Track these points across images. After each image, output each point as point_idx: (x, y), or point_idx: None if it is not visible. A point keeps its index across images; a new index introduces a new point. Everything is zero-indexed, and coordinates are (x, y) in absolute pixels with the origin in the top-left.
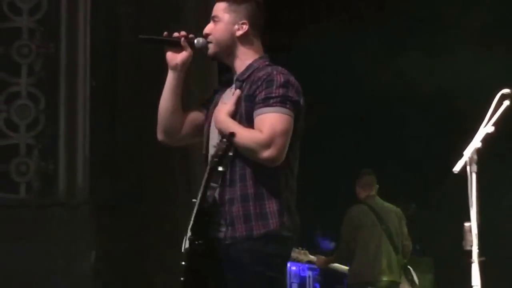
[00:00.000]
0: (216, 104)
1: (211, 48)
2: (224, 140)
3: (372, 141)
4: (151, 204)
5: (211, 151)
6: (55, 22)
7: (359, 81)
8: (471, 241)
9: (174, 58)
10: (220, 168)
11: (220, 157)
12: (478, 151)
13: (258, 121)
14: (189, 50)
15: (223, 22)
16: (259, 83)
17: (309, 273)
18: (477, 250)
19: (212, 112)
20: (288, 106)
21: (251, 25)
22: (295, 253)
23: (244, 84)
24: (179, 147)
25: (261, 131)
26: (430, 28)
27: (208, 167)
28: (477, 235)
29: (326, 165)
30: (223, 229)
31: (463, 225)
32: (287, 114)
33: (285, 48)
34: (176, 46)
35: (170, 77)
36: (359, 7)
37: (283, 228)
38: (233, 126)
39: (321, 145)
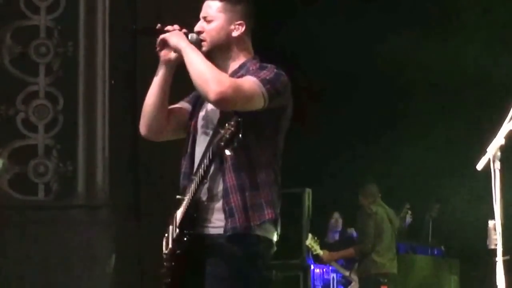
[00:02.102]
0: (203, 102)
1: (205, 46)
2: (232, 123)
3: (397, 137)
4: (172, 205)
5: (198, 148)
6: (73, 20)
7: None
8: (496, 239)
9: (167, 52)
10: (228, 152)
11: (229, 140)
12: (501, 147)
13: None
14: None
15: (219, 22)
16: (252, 68)
17: (332, 275)
18: (501, 249)
19: (199, 110)
20: (267, 87)
21: (247, 26)
22: (310, 239)
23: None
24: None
25: (229, 77)
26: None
27: (209, 154)
28: (501, 233)
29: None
30: (217, 223)
31: (487, 224)
32: (261, 91)
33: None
34: None
35: (161, 72)
36: None
37: (275, 219)
38: (197, 53)
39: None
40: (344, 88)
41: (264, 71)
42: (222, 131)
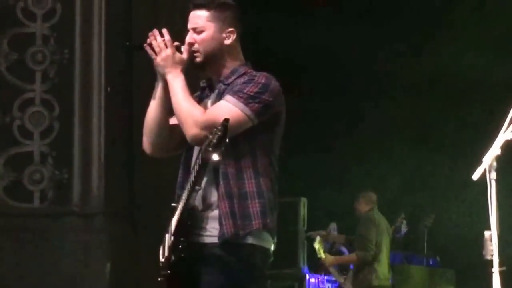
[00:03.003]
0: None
1: (199, 57)
2: (219, 127)
3: (393, 148)
4: (167, 213)
5: (193, 156)
6: (70, 28)
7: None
8: (492, 250)
9: None
10: (216, 157)
11: (215, 145)
12: (497, 158)
13: (215, 104)
14: (184, 55)
15: (210, 31)
16: (240, 80)
17: (328, 285)
18: (498, 260)
19: None
20: (251, 106)
21: (237, 32)
22: (318, 242)
23: (229, 87)
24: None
25: (205, 112)
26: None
27: (199, 160)
28: (497, 244)
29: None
30: (212, 232)
31: (483, 234)
32: (243, 112)
33: None
34: None
35: (159, 87)
36: None
37: (266, 229)
38: (179, 88)
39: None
40: (340, 98)
41: (250, 86)
42: (210, 136)
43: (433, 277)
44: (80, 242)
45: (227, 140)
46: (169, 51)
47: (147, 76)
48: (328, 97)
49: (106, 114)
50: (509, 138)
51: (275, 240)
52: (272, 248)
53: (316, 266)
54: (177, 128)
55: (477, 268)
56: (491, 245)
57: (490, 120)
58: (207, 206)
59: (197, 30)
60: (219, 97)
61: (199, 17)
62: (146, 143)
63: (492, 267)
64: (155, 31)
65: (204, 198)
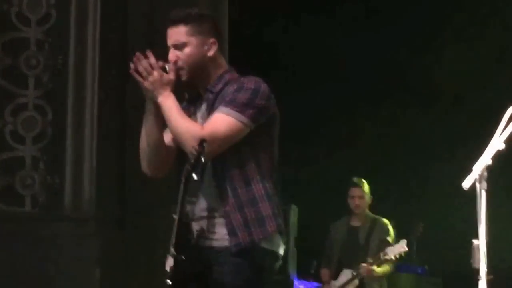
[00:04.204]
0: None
1: (185, 75)
2: (197, 147)
3: (378, 157)
4: (159, 219)
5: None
6: (64, 33)
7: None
8: (479, 259)
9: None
10: (194, 177)
11: (194, 165)
12: (488, 168)
13: (210, 118)
14: (171, 75)
15: (192, 46)
16: (230, 90)
17: None
18: (485, 269)
19: None
20: (246, 113)
21: (218, 41)
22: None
23: (219, 96)
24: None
25: (203, 127)
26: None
27: (183, 179)
28: (485, 253)
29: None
30: (221, 236)
31: (471, 243)
32: (240, 121)
33: None
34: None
35: (150, 109)
36: None
37: (279, 231)
38: (172, 108)
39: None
40: (329, 105)
41: (241, 93)
42: (190, 156)
43: (421, 285)
44: (71, 247)
45: (202, 160)
46: (156, 74)
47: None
48: (319, 102)
49: (99, 120)
50: (500, 148)
51: (285, 242)
52: (282, 252)
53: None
54: (172, 145)
55: (465, 277)
56: (479, 254)
57: (481, 128)
58: (212, 213)
59: (178, 46)
60: (210, 108)
61: (178, 33)
62: (145, 167)
63: (479, 275)
64: (139, 55)
65: (209, 205)
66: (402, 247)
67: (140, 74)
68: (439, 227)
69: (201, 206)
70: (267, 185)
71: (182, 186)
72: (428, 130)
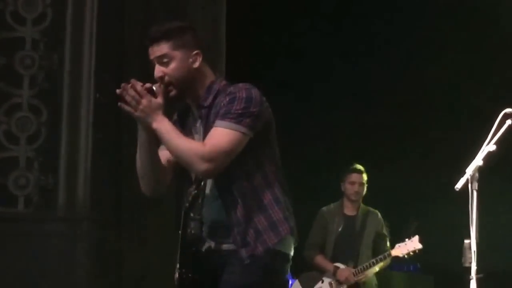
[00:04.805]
0: (185, 128)
1: (173, 92)
2: (194, 186)
3: (376, 156)
4: (153, 219)
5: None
6: (60, 33)
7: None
8: (470, 258)
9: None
10: (192, 215)
11: (191, 204)
12: (479, 169)
13: (209, 133)
14: (159, 99)
15: (177, 60)
16: (223, 102)
17: None
18: (476, 267)
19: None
20: (243, 123)
21: (202, 52)
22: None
23: (212, 110)
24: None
25: (204, 144)
26: None
27: (184, 210)
28: (476, 252)
29: None
30: (232, 240)
31: (463, 243)
32: (239, 131)
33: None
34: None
35: (143, 136)
36: None
37: (292, 233)
38: (169, 132)
39: None
40: (321, 105)
41: (235, 104)
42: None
43: (412, 283)
44: (65, 247)
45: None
46: (145, 101)
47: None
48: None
49: (94, 120)
50: (491, 150)
51: (296, 242)
52: (292, 253)
53: None
54: (169, 164)
55: (456, 275)
56: (470, 253)
57: (475, 130)
58: (220, 221)
59: (163, 62)
60: (205, 123)
61: (161, 49)
62: (144, 188)
63: (470, 274)
64: (125, 86)
65: (218, 218)
66: (416, 243)
67: (128, 104)
68: (432, 226)
69: (209, 219)
70: (275, 189)
71: (184, 211)
72: (423, 129)
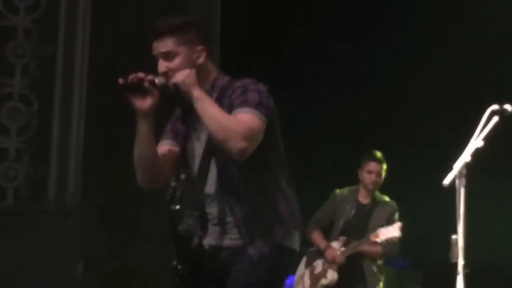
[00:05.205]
0: (186, 135)
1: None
2: (174, 180)
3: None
4: (145, 212)
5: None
6: (53, 23)
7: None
8: (457, 253)
9: (143, 104)
10: (177, 207)
11: (171, 196)
12: (467, 165)
13: (236, 117)
14: (156, 92)
15: (182, 55)
16: (235, 94)
17: None
18: (463, 263)
19: (184, 143)
20: (262, 110)
21: (206, 48)
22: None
23: (219, 104)
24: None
25: (239, 122)
26: None
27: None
28: (463, 247)
29: None
30: (239, 236)
31: (450, 238)
32: (261, 119)
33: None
34: (140, 91)
35: (142, 127)
36: None
37: (299, 228)
38: (210, 104)
39: None
40: (312, 97)
41: (250, 95)
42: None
43: (401, 278)
44: (54, 239)
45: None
46: (188, 70)
47: (129, 74)
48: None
49: (86, 111)
50: (479, 146)
51: (301, 240)
52: (298, 249)
53: None
54: (167, 156)
55: (445, 270)
56: (457, 249)
57: (463, 126)
58: (225, 218)
59: (167, 57)
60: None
61: (166, 44)
62: (141, 181)
63: (457, 269)
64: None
65: (224, 215)
66: (394, 230)
67: (134, 90)
68: (420, 221)
69: (215, 216)
70: (282, 184)
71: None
72: (410, 123)
